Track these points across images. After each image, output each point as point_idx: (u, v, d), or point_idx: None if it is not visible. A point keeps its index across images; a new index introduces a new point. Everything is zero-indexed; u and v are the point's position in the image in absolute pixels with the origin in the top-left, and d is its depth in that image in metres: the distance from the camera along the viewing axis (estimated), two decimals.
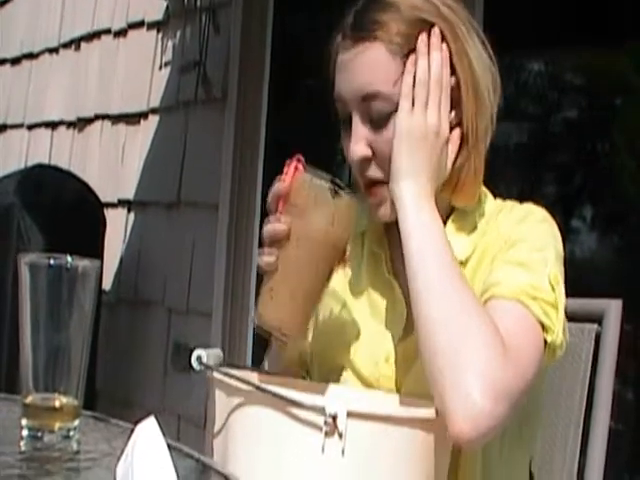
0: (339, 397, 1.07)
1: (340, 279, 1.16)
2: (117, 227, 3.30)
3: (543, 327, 0.99)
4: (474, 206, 1.12)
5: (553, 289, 1.02)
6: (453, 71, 1.07)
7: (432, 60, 1.05)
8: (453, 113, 1.07)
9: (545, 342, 0.99)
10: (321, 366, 1.17)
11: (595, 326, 1.29)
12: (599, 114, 4.37)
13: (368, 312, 1.15)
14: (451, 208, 1.12)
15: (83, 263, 0.92)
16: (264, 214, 3.31)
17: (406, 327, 1.10)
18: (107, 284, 3.29)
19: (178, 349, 3.02)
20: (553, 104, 4.66)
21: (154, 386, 3.10)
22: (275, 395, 0.85)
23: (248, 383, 0.87)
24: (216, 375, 0.92)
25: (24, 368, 0.90)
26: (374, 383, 1.11)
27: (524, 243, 1.05)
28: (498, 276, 1.02)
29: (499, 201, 1.16)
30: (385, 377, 1.10)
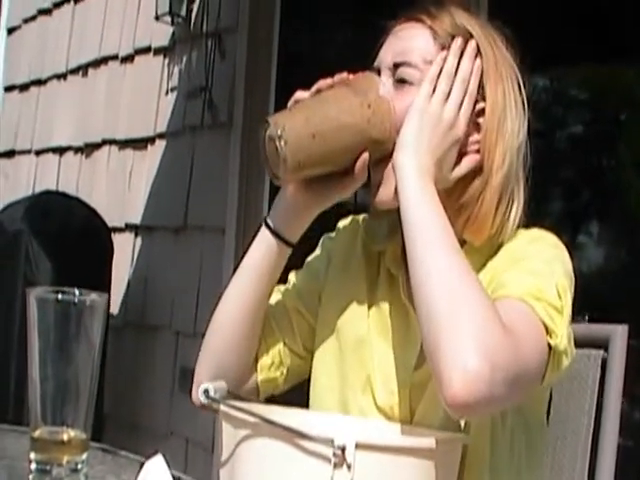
0: (345, 427, 1.07)
1: (355, 298, 1.15)
2: (124, 251, 3.31)
3: (547, 330, 0.98)
4: (487, 243, 1.10)
5: (560, 297, 1.01)
6: (483, 97, 1.09)
7: (462, 63, 1.09)
8: (475, 136, 1.09)
9: (549, 346, 0.98)
10: (334, 391, 1.15)
11: (601, 352, 1.29)
12: (605, 130, 4.38)
13: (383, 337, 1.14)
14: (462, 241, 1.08)
15: (91, 297, 0.92)
16: None
17: (419, 354, 1.09)
18: (115, 308, 3.30)
19: (185, 373, 3.02)
20: (558, 120, 4.67)
21: (162, 410, 3.10)
22: (283, 427, 0.86)
23: (255, 415, 0.88)
24: (223, 408, 0.93)
25: (32, 402, 0.90)
26: (389, 412, 1.10)
27: (533, 258, 1.05)
28: (505, 279, 1.02)
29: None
30: (400, 405, 1.10)
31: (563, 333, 0.99)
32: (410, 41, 1.11)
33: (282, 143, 1.02)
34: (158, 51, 3.35)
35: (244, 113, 2.96)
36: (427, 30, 1.11)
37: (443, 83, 1.07)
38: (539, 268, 1.03)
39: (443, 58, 1.09)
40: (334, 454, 0.84)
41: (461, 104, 1.07)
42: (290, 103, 1.10)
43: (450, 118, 1.06)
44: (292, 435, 0.86)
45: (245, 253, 1.15)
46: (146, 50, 3.41)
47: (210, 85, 3.03)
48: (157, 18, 3.19)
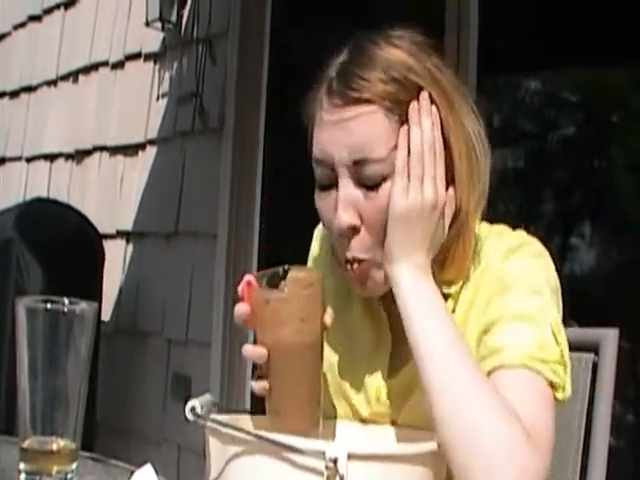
0: (338, 434, 1.07)
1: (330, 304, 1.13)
2: (116, 258, 3.30)
3: (552, 385, 0.98)
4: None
5: (557, 341, 0.99)
6: (445, 140, 1.02)
7: (424, 127, 0.99)
8: (450, 190, 1.02)
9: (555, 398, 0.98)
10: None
11: (592, 355, 1.29)
12: (597, 132, 4.39)
13: (358, 343, 1.13)
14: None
15: (80, 307, 0.92)
16: (262, 243, 3.31)
17: (392, 359, 1.09)
18: (106, 315, 3.29)
19: (177, 380, 3.01)
20: (550, 123, 4.67)
21: (154, 417, 3.09)
22: (273, 442, 0.85)
23: (245, 432, 0.87)
24: (209, 428, 0.92)
25: (22, 412, 0.90)
26: (371, 422, 1.10)
27: (519, 286, 1.01)
28: (499, 340, 0.98)
29: (485, 225, 1.11)
30: (379, 414, 1.09)
31: (568, 381, 0.99)
32: (365, 131, 0.99)
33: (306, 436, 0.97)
34: (149, 57, 3.35)
35: (235, 119, 2.96)
36: (378, 110, 0.99)
37: (416, 167, 0.99)
38: (530, 310, 0.99)
39: (406, 135, 0.99)
40: (326, 467, 0.83)
41: (435, 170, 1.00)
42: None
43: (430, 198, 0.99)
44: (283, 449, 0.85)
45: None
46: (137, 56, 3.41)
47: (201, 91, 3.03)
48: (147, 24, 3.18)
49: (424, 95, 1.00)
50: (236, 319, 0.98)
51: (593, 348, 1.29)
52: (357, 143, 0.99)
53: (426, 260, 1.00)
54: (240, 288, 0.96)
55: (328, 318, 0.98)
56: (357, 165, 1.00)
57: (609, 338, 1.29)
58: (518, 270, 1.03)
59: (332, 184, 1.02)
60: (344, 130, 1.00)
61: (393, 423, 1.09)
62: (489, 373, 0.96)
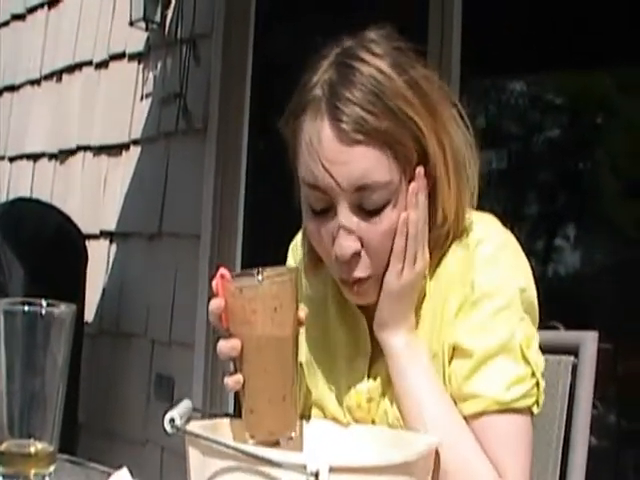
0: (320, 438, 1.06)
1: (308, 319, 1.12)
2: (99, 258, 3.29)
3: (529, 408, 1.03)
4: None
5: (527, 361, 1.02)
6: (429, 153, 1.02)
7: (420, 206, 1.01)
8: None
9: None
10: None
11: (571, 358, 1.30)
12: (581, 136, 4.41)
13: (335, 348, 1.13)
14: None
15: (58, 309, 0.92)
16: (245, 244, 3.30)
17: (371, 362, 1.09)
18: (89, 315, 3.28)
19: (161, 380, 3.00)
20: (535, 126, 4.69)
21: (137, 418, 3.08)
22: (253, 456, 0.84)
23: (225, 445, 0.86)
24: (189, 439, 0.91)
25: None
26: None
27: (488, 302, 1.03)
28: (477, 386, 1.02)
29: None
30: (360, 420, 1.09)
31: (541, 395, 1.04)
32: (365, 162, 0.98)
33: (284, 437, 0.97)
34: (133, 57, 3.34)
35: (219, 119, 2.96)
36: (374, 144, 0.98)
37: (411, 247, 1.01)
38: (500, 339, 1.02)
39: (405, 222, 1.00)
40: None
41: (425, 237, 1.03)
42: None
43: (421, 268, 1.03)
44: (264, 463, 0.84)
45: None
46: (120, 56, 3.40)
47: (185, 91, 3.02)
48: (131, 24, 3.17)
49: (419, 172, 1.01)
50: (210, 315, 0.97)
51: (573, 351, 1.29)
52: (357, 173, 0.98)
53: (413, 317, 1.05)
54: (214, 282, 0.96)
55: (302, 313, 0.98)
56: (359, 191, 0.99)
57: (588, 341, 1.29)
58: (487, 280, 1.04)
59: (328, 209, 1.01)
60: (342, 163, 0.98)
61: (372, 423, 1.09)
62: (471, 416, 1.02)
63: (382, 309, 1.04)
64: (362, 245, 1.01)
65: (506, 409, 1.01)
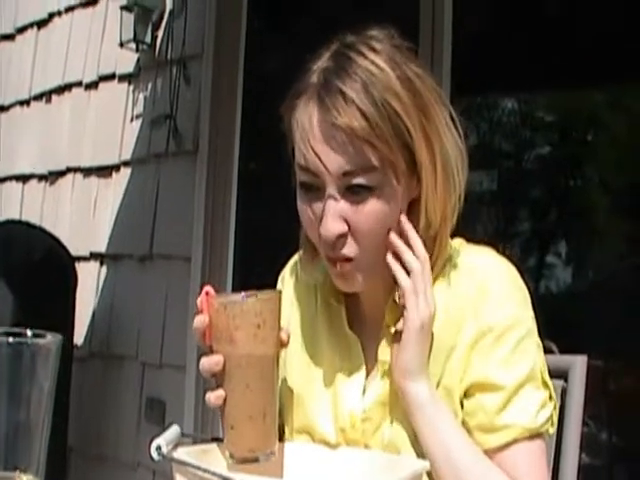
0: (307, 463, 1.05)
1: (295, 338, 1.14)
2: (89, 281, 3.28)
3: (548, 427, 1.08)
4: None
5: (547, 385, 1.08)
6: (417, 156, 1.04)
7: (417, 248, 1.05)
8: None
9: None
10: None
11: (561, 382, 1.29)
12: (572, 152, 4.43)
13: (326, 371, 1.13)
14: None
15: (44, 340, 0.90)
16: (236, 266, 3.28)
17: (365, 385, 1.09)
18: (79, 338, 3.26)
19: (152, 403, 2.98)
20: (524, 141, 4.71)
21: (128, 441, 3.06)
22: None
23: (212, 473, 0.85)
24: (176, 467, 0.90)
25: None
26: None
27: (509, 334, 1.06)
28: (508, 417, 1.05)
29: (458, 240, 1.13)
30: (353, 441, 1.09)
31: (555, 415, 1.08)
32: (356, 146, 1.00)
33: (264, 455, 0.98)
34: (123, 78, 3.34)
35: (209, 140, 2.95)
36: (358, 141, 1.00)
37: (420, 283, 1.04)
38: (525, 370, 1.06)
39: (397, 271, 1.05)
40: None
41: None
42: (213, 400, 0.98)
43: (434, 308, 1.05)
44: None
45: None
46: (110, 77, 3.40)
47: (175, 112, 3.02)
48: (122, 45, 3.18)
49: (403, 220, 1.05)
50: (194, 331, 0.98)
51: (562, 375, 1.29)
52: (344, 158, 1.01)
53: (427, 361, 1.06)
54: (199, 299, 0.97)
55: (284, 335, 0.99)
56: (346, 177, 1.02)
57: (577, 365, 1.29)
58: (506, 314, 1.07)
59: (318, 188, 1.04)
60: (330, 149, 1.01)
61: (365, 447, 1.08)
62: (503, 446, 1.05)
63: (407, 351, 1.04)
64: (349, 228, 1.03)
65: (534, 435, 1.05)
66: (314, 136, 1.02)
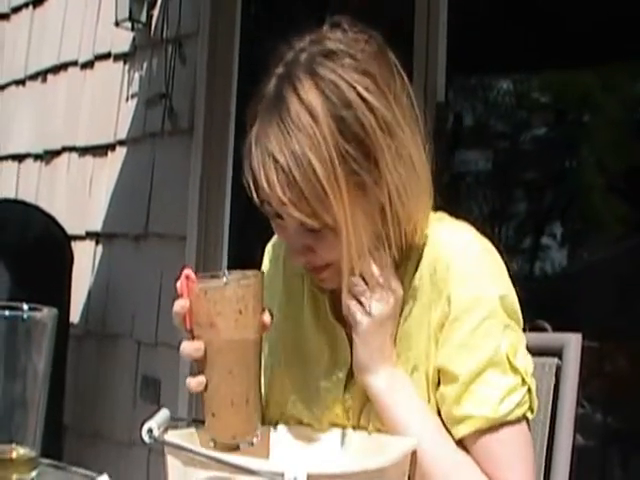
0: (297, 444, 1.06)
1: (282, 324, 1.12)
2: (85, 260, 3.28)
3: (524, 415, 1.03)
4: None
5: (515, 369, 1.01)
6: (380, 169, 0.98)
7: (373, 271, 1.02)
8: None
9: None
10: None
11: (555, 360, 1.30)
12: (566, 132, 4.42)
13: (312, 358, 1.12)
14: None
15: (40, 313, 0.91)
16: (231, 245, 3.29)
17: (349, 375, 1.08)
18: (75, 317, 3.27)
19: (147, 382, 3.00)
20: (520, 122, 4.71)
21: (123, 419, 3.07)
22: (232, 465, 0.84)
23: (204, 455, 0.86)
24: (168, 449, 0.91)
25: None
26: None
27: (466, 317, 1.01)
28: (466, 408, 1.01)
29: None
30: (338, 426, 1.08)
31: (534, 399, 1.03)
32: (294, 211, 0.97)
33: (245, 442, 0.97)
34: (118, 57, 3.33)
35: (205, 120, 2.95)
36: (299, 212, 0.97)
37: (361, 287, 1.02)
38: (486, 354, 1.00)
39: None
40: None
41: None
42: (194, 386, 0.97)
43: (398, 292, 1.03)
44: (240, 471, 0.83)
45: None
46: (106, 56, 3.39)
47: (171, 91, 3.01)
48: (117, 24, 3.16)
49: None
50: (174, 316, 0.97)
51: (557, 353, 1.29)
52: (293, 206, 0.96)
53: (391, 349, 1.03)
54: (179, 283, 0.95)
55: (267, 318, 0.98)
56: (295, 219, 0.99)
57: (572, 343, 1.29)
58: (464, 294, 1.02)
59: (277, 215, 1.01)
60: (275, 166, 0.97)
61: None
62: (466, 437, 1.01)
63: (357, 352, 1.03)
64: (315, 251, 1.02)
65: (500, 424, 1.00)
66: (260, 181, 0.98)
